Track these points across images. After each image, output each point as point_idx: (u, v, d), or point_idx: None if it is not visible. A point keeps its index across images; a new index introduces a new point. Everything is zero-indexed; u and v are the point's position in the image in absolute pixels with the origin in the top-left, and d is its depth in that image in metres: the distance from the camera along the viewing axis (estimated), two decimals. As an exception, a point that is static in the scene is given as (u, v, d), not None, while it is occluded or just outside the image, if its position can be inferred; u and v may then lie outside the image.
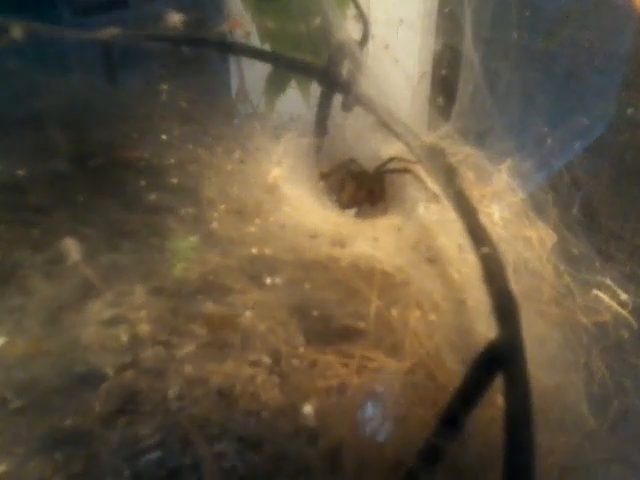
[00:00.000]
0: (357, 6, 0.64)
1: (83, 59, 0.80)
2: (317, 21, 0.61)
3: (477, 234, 0.41)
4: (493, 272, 0.38)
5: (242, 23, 0.56)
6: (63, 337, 0.54)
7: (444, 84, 0.70)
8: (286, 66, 0.69)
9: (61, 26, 0.83)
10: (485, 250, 0.40)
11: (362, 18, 0.64)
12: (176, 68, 0.70)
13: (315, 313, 0.50)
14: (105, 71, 0.77)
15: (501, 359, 0.35)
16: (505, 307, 0.37)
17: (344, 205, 0.65)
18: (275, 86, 0.79)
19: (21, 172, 0.52)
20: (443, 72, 0.70)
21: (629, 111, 0.64)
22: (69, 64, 0.84)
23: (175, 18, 0.51)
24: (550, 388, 0.51)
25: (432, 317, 0.51)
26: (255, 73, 0.74)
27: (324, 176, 0.65)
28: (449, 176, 0.49)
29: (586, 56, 0.71)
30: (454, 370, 0.47)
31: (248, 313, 0.57)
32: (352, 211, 0.65)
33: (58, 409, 0.50)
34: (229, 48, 0.70)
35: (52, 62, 0.77)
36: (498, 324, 0.36)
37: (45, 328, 0.54)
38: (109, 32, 0.58)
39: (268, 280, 0.52)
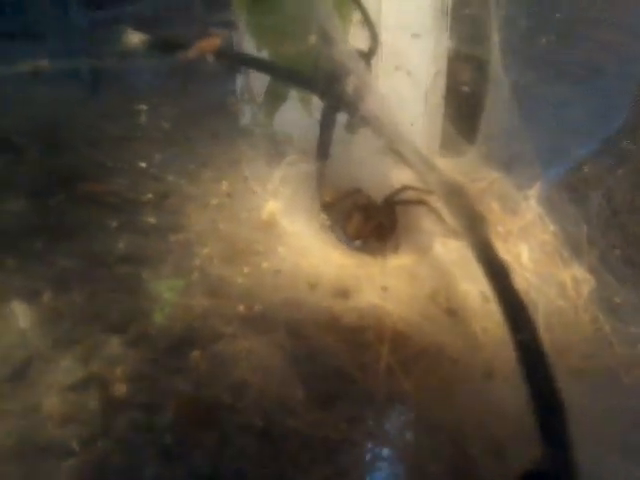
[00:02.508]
0: (363, 12, 0.55)
1: (67, 71, 0.72)
2: (316, 32, 0.52)
3: (514, 313, 0.32)
4: (534, 367, 0.30)
5: (214, 44, 0.47)
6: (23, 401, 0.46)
7: (466, 101, 0.61)
8: (285, 79, 0.60)
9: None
10: (523, 337, 0.31)
11: (369, 25, 0.55)
12: (161, 82, 0.62)
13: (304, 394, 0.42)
14: (90, 84, 0.69)
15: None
16: (551, 420, 0.28)
17: (348, 239, 0.57)
18: (274, 98, 0.70)
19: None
20: (465, 88, 0.60)
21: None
22: (53, 75, 0.76)
23: (135, 39, 0.42)
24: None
25: (454, 392, 0.43)
26: (249, 85, 0.66)
27: (327, 207, 0.57)
28: (473, 224, 0.40)
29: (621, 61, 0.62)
30: (480, 463, 0.39)
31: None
32: (357, 246, 0.57)
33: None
34: (222, 56, 0.61)
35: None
36: (544, 442, 0.28)
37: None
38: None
39: (265, 341, 0.44)
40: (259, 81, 0.67)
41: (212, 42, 0.46)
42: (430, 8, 0.63)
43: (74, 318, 0.50)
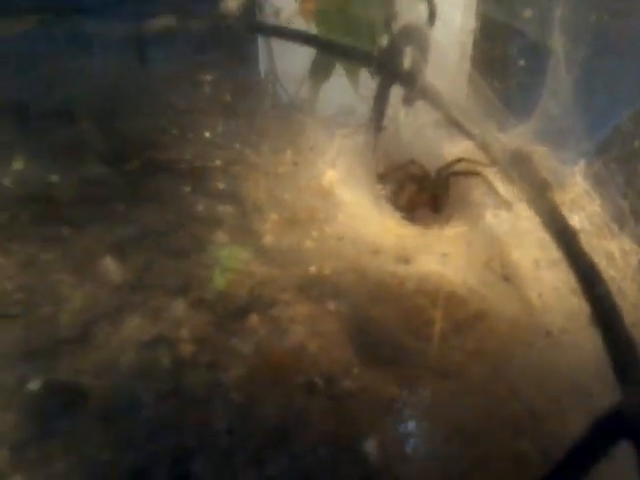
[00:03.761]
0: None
1: (114, 41, 0.73)
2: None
3: (585, 269, 0.35)
4: (609, 321, 0.32)
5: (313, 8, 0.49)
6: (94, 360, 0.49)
7: (514, 74, 0.63)
8: (341, 54, 0.62)
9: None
10: (598, 292, 0.34)
11: None
12: (217, 55, 0.63)
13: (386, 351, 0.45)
14: (137, 53, 0.71)
15: (629, 429, 0.29)
16: (629, 365, 0.31)
17: (402, 209, 0.59)
18: (320, 71, 0.72)
19: (54, 178, 0.46)
20: (521, 62, 0.62)
21: None
22: (100, 45, 0.77)
23: (232, 4, 0.44)
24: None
25: (513, 350, 0.45)
26: (303, 59, 0.67)
27: (382, 177, 0.59)
28: (541, 190, 0.42)
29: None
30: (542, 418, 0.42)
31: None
32: (411, 215, 0.59)
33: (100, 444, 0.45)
34: (276, 32, 0.63)
35: (82, 43, 0.70)
36: (622, 386, 0.30)
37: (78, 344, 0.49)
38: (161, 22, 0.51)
39: (331, 305, 0.46)
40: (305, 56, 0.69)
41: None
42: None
43: (142, 280, 0.52)
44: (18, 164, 0.45)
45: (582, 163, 0.61)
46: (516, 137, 0.62)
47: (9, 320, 0.45)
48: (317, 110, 0.63)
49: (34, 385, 0.42)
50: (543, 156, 0.62)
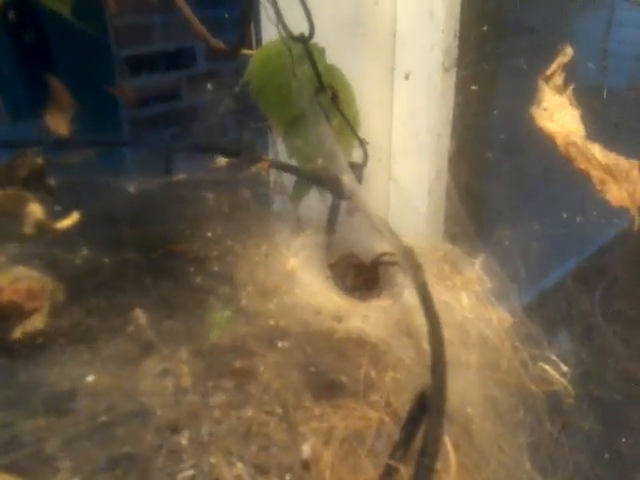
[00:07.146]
0: (360, 141, 0.84)
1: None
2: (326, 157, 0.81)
3: (431, 320, 0.58)
4: (435, 351, 0.55)
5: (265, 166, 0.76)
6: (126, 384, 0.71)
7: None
8: (308, 179, 0.89)
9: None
10: (430, 329, 0.57)
11: (362, 147, 0.84)
12: (222, 179, 0.91)
13: (313, 370, 0.67)
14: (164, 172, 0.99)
15: (427, 405, 0.51)
16: (437, 374, 0.53)
17: (346, 289, 0.83)
18: (300, 191, 0.99)
19: (107, 260, 0.72)
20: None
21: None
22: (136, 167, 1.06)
23: (222, 161, 0.71)
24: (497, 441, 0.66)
25: (403, 377, 0.67)
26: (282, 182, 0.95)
27: (331, 266, 0.83)
28: (415, 272, 0.66)
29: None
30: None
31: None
32: (351, 293, 0.83)
33: (120, 437, 0.66)
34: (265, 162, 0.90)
35: (122, 167, 0.99)
36: (431, 383, 0.53)
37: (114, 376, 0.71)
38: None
39: (279, 344, 0.69)
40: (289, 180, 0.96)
41: (264, 164, 0.75)
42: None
43: (159, 331, 0.76)
44: (84, 252, 0.71)
45: (481, 257, 0.86)
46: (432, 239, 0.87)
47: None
48: (290, 219, 0.90)
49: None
50: (449, 252, 0.87)
